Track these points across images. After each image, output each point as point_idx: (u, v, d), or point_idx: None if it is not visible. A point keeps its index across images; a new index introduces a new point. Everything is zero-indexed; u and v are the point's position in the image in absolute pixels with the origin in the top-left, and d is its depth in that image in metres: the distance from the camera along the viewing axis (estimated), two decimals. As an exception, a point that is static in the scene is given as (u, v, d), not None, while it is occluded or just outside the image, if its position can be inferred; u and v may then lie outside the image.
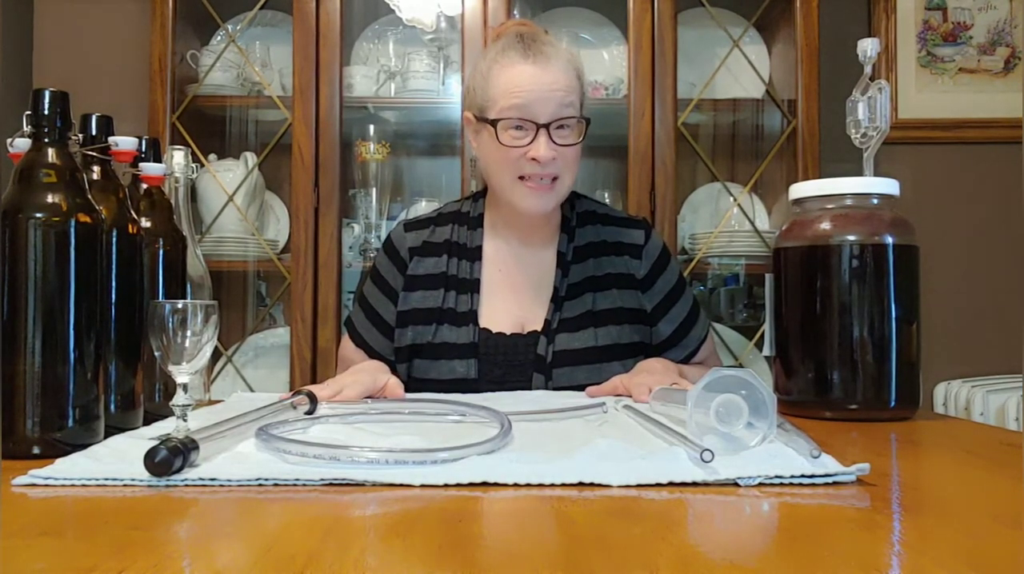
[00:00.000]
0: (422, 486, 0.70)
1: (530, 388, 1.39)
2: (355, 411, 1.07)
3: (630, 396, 1.21)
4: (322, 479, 0.72)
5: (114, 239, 0.97)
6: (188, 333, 0.87)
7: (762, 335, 2.06)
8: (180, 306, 0.87)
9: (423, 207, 2.33)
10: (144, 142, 1.14)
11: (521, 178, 1.37)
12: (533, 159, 1.35)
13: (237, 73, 2.36)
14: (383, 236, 2.19)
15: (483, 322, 1.43)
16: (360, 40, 2.47)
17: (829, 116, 2.18)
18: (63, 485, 0.72)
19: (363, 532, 0.60)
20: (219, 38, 2.41)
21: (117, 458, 0.77)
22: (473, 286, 1.45)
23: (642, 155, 2.20)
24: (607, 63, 2.43)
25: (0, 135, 1.14)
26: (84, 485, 0.72)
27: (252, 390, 2.24)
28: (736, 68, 2.36)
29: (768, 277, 1.29)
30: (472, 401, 1.10)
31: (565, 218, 1.50)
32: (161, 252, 1.11)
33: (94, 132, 1.02)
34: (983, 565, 0.53)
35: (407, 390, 1.30)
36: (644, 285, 1.47)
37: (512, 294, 1.46)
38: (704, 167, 2.36)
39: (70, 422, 0.84)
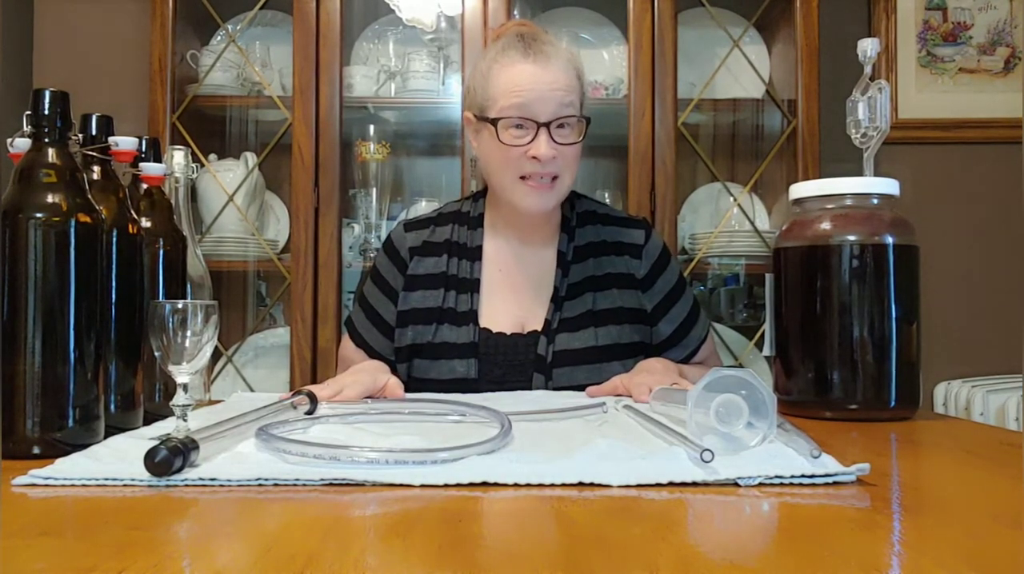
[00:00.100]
0: (422, 486, 0.70)
1: (530, 388, 1.39)
2: (355, 411, 1.07)
3: (630, 396, 1.21)
4: (322, 479, 0.72)
5: (114, 239, 0.97)
6: (188, 333, 0.87)
7: (762, 335, 2.06)
8: (180, 306, 0.87)
9: (423, 207, 2.33)
10: (144, 142, 1.14)
11: (522, 178, 1.37)
12: (534, 158, 1.35)
13: (237, 73, 2.36)
14: (383, 236, 2.20)
15: (483, 322, 1.43)
16: (360, 40, 2.47)
17: (829, 116, 2.18)
18: (63, 485, 0.72)
19: (363, 532, 0.60)
20: (219, 38, 2.41)
21: (117, 458, 0.77)
22: (473, 286, 1.45)
23: (642, 155, 2.20)
24: (607, 63, 2.43)
25: (0, 135, 1.14)
26: (84, 485, 0.72)
27: (252, 390, 2.24)
28: (736, 68, 2.36)
29: (768, 277, 1.29)
30: (472, 401, 1.10)
31: (565, 218, 1.50)
32: (161, 252, 1.11)
33: (94, 132, 1.02)
34: (983, 565, 0.53)
35: (407, 390, 1.30)
36: (644, 285, 1.47)
37: (512, 294, 1.46)
38: (704, 167, 2.36)
39: (70, 422, 0.84)
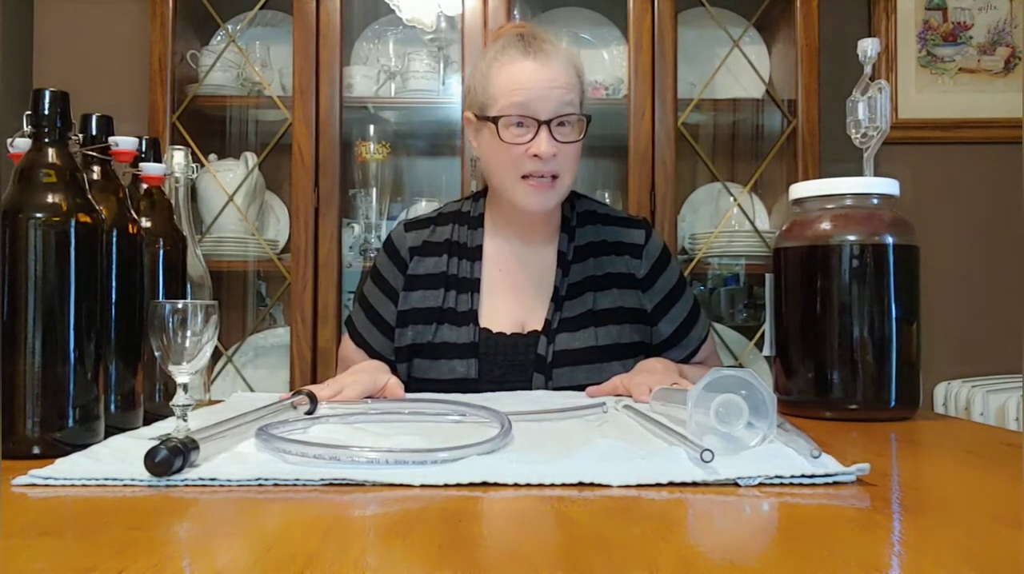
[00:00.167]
0: (422, 486, 0.70)
1: (530, 388, 1.39)
2: (355, 411, 1.07)
3: (630, 396, 1.21)
4: (322, 479, 0.72)
5: (114, 239, 0.97)
6: (188, 333, 0.87)
7: (762, 335, 2.06)
8: (180, 306, 0.87)
9: (423, 207, 2.33)
10: (144, 142, 1.14)
11: (523, 177, 1.37)
12: (535, 155, 1.35)
13: (237, 73, 2.36)
14: (383, 236, 2.20)
15: (483, 322, 1.43)
16: (360, 40, 2.47)
17: (829, 116, 2.18)
18: (63, 485, 0.71)
19: (363, 532, 0.60)
20: (219, 38, 2.41)
21: (117, 458, 0.77)
22: (473, 286, 1.45)
23: (642, 155, 2.20)
24: (607, 63, 2.43)
25: (0, 135, 1.14)
26: (84, 485, 0.72)
27: (252, 390, 2.24)
28: (736, 68, 2.36)
29: (768, 277, 1.29)
30: (472, 401, 1.10)
31: (565, 218, 1.50)
32: (161, 252, 1.11)
33: (94, 132, 1.02)
34: (983, 565, 0.53)
35: (407, 390, 1.30)
36: (644, 285, 1.47)
37: (512, 294, 1.46)
38: (704, 167, 2.37)
39: (70, 422, 0.84)
